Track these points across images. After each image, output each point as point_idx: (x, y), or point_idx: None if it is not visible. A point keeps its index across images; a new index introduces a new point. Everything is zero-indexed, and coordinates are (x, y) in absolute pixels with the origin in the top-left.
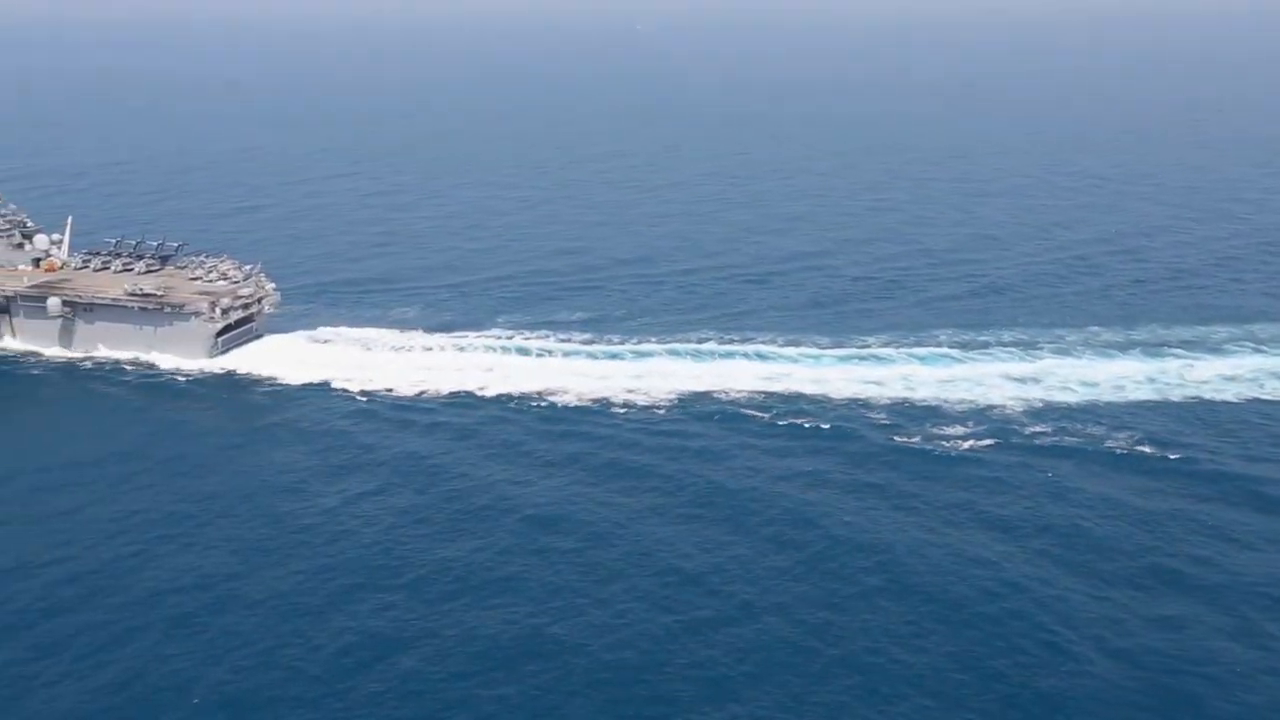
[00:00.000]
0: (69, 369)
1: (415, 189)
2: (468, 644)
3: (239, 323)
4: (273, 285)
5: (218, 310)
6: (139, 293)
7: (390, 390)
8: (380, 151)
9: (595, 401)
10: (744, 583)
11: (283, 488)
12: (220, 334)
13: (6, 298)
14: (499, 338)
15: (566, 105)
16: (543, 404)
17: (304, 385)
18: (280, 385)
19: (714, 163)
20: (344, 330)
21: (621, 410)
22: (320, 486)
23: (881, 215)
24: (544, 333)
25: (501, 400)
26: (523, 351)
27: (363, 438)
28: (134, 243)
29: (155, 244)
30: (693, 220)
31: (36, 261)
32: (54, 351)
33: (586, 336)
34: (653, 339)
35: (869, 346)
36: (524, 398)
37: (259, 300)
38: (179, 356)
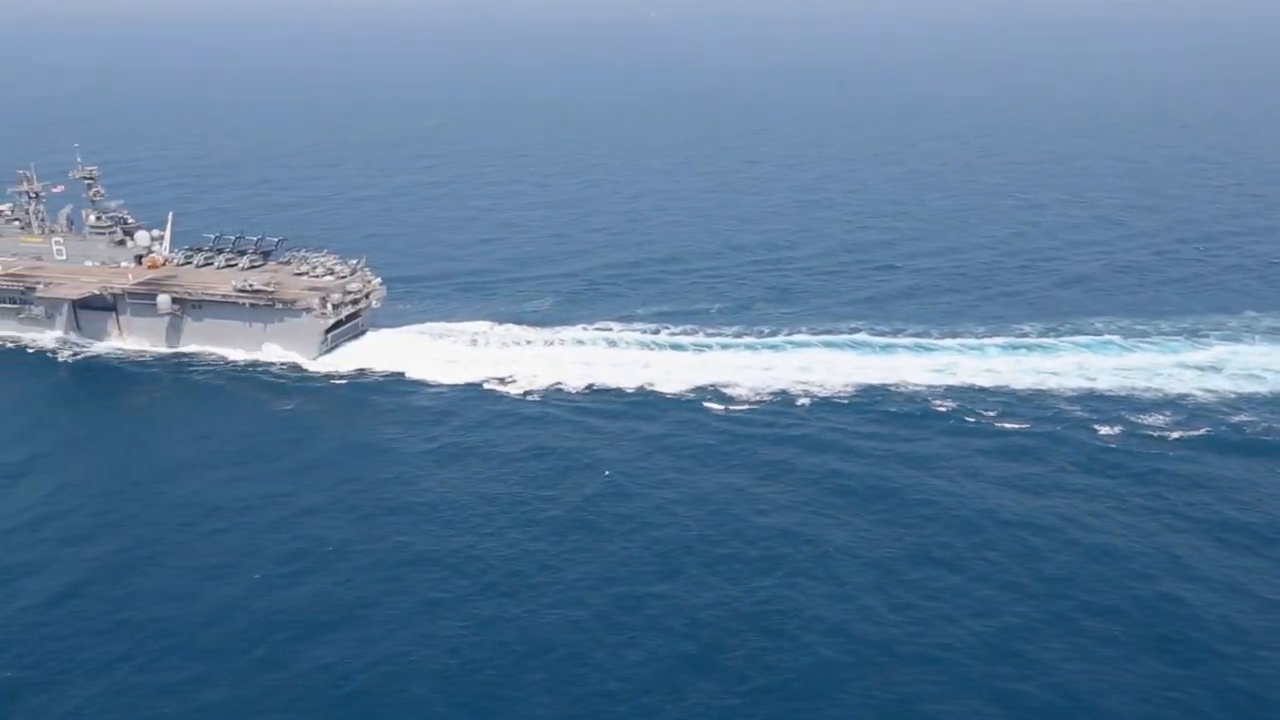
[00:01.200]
0: (179, 366)
1: (503, 179)
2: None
3: (347, 318)
4: (378, 280)
5: (329, 306)
6: (249, 289)
7: (518, 385)
8: (456, 142)
9: (774, 396)
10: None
11: (439, 484)
12: (329, 330)
13: (114, 295)
14: (618, 330)
15: (613, 95)
16: (718, 401)
17: (419, 380)
18: (394, 380)
19: (796, 150)
20: (448, 325)
21: (805, 404)
22: (490, 485)
23: (992, 199)
24: (677, 326)
25: (658, 397)
26: (666, 346)
27: (508, 433)
28: (233, 238)
29: (255, 239)
30: (802, 208)
31: (138, 258)
32: (161, 349)
33: (731, 329)
34: (803, 329)
35: (1027, 335)
36: (689, 394)
37: (366, 295)
38: (289, 353)
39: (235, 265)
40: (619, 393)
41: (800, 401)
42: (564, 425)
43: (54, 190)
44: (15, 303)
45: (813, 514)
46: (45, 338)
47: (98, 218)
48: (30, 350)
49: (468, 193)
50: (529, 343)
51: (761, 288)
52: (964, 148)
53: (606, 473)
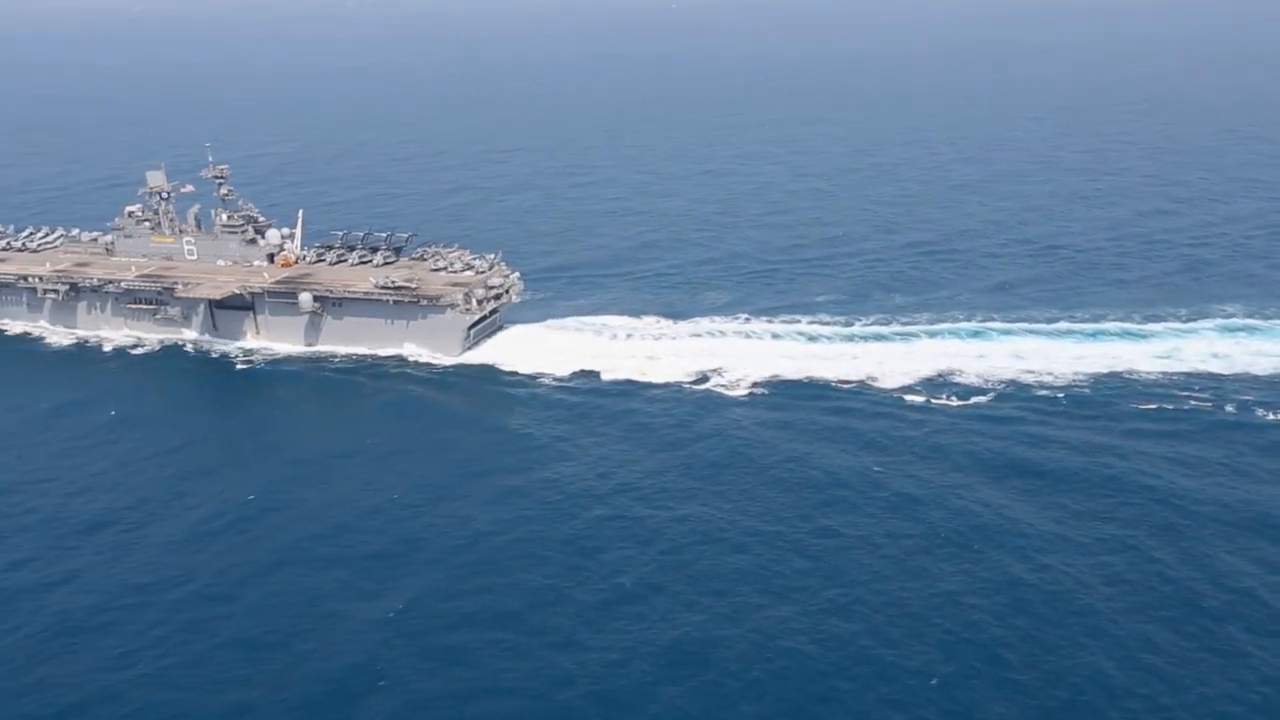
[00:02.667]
0: (322, 364)
1: (619, 168)
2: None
3: (489, 314)
4: (516, 274)
5: (473, 302)
6: (390, 286)
7: (675, 378)
8: (556, 132)
9: (1005, 385)
10: None
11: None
12: (471, 326)
13: (252, 294)
14: (770, 321)
15: (682, 85)
16: (952, 395)
17: (569, 375)
18: (542, 377)
19: (890, 135)
20: (584, 319)
21: (1047, 394)
22: (683, 483)
23: (1094, 181)
24: (799, 316)
25: (831, 387)
26: (810, 337)
27: (682, 424)
28: (361, 235)
29: (385, 235)
30: (926, 192)
31: (270, 257)
32: (299, 348)
33: (922, 315)
34: (978, 316)
35: (1232, 315)
36: (917, 385)
37: (507, 290)
38: (431, 350)
39: (369, 262)
40: (830, 387)
41: (1040, 392)
42: (802, 427)
43: (183, 190)
44: (152, 303)
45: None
46: (182, 338)
47: (229, 216)
48: (173, 350)
49: (581, 183)
50: (696, 335)
51: (931, 271)
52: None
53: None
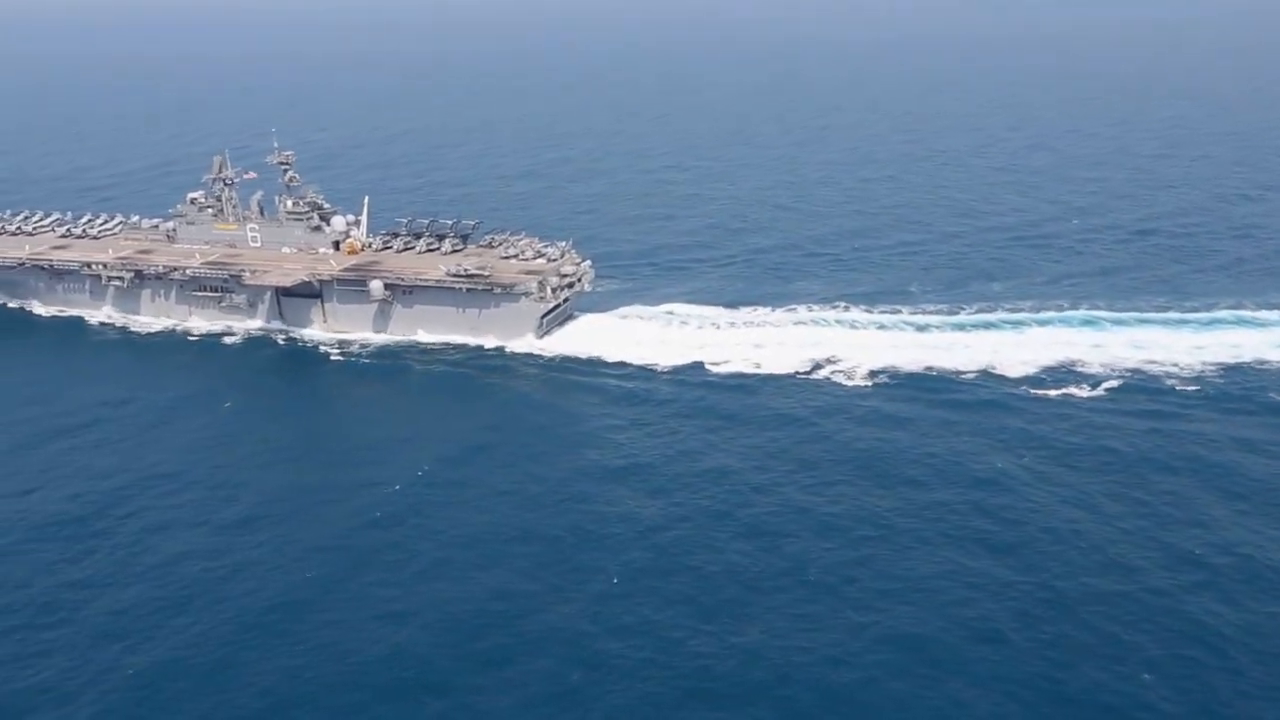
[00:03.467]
0: (395, 354)
1: (679, 155)
2: None
3: (561, 302)
4: (588, 262)
5: (547, 290)
6: (463, 274)
7: (788, 369)
8: (621, 118)
9: (1130, 375)
10: None
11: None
12: (544, 315)
13: (321, 283)
14: (864, 310)
15: (745, 71)
16: (1079, 385)
17: (646, 366)
18: (622, 366)
19: (951, 122)
20: (651, 308)
21: (1176, 387)
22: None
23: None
24: (898, 305)
25: (954, 378)
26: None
27: (853, 431)
28: (426, 221)
29: (450, 222)
30: (1002, 179)
31: (336, 244)
32: (368, 336)
33: (1025, 303)
34: (1084, 304)
35: None
36: (1041, 376)
37: (579, 279)
38: (504, 339)
39: (436, 250)
40: (953, 378)
41: (1170, 383)
42: (915, 421)
43: (245, 176)
44: (217, 291)
45: None
46: (247, 326)
47: (294, 203)
48: (259, 341)
49: (643, 170)
50: (770, 325)
51: (1026, 258)
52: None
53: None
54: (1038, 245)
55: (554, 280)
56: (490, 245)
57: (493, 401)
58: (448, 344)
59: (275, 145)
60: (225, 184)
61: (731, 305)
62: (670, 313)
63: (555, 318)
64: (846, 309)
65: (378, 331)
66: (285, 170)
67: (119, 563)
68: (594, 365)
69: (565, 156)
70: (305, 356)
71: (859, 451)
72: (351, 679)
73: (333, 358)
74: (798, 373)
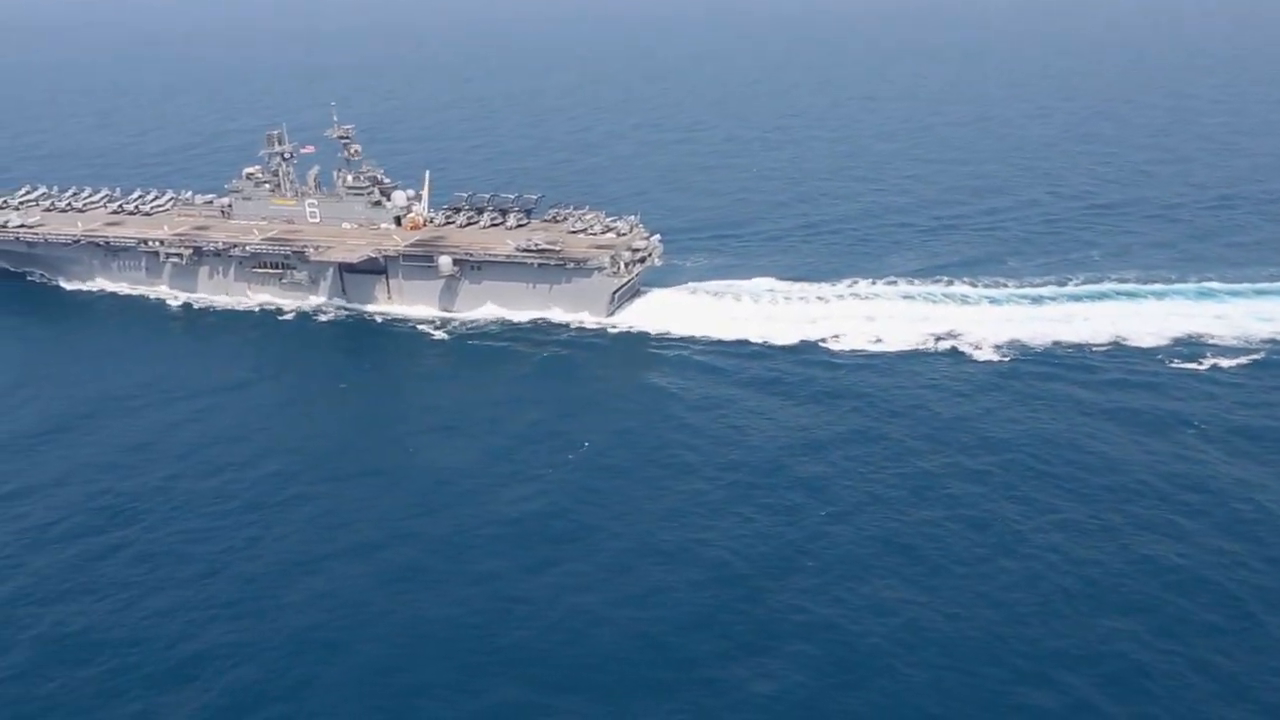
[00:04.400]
0: (467, 331)
1: (737, 127)
2: None
3: (633, 277)
4: (656, 237)
5: (620, 265)
6: (534, 248)
7: (907, 345)
8: (675, 91)
9: (1266, 345)
10: None
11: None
12: (616, 290)
13: (387, 258)
14: (940, 282)
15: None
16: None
17: (721, 342)
18: (724, 344)
19: (1003, 93)
20: (723, 283)
21: None
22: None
23: None
24: (1001, 279)
25: (1087, 352)
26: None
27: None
28: (487, 196)
29: (512, 197)
30: (1067, 147)
31: (397, 219)
32: (435, 312)
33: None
34: (1192, 276)
35: None
36: (1170, 345)
37: (649, 254)
38: (575, 315)
39: (500, 224)
40: (1086, 352)
41: None
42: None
43: (303, 151)
44: (278, 267)
45: None
46: (309, 303)
47: (355, 178)
48: (305, 316)
49: (702, 142)
50: (866, 298)
51: (1119, 226)
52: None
53: None
54: (1125, 213)
55: (626, 255)
56: (555, 220)
57: (630, 385)
58: (517, 320)
59: (335, 119)
60: (283, 158)
61: (812, 279)
62: (747, 288)
63: (624, 293)
64: (950, 283)
65: (444, 308)
66: (345, 144)
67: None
68: (691, 343)
69: (620, 130)
70: (388, 335)
71: (1038, 437)
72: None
73: (435, 336)
74: (921, 348)
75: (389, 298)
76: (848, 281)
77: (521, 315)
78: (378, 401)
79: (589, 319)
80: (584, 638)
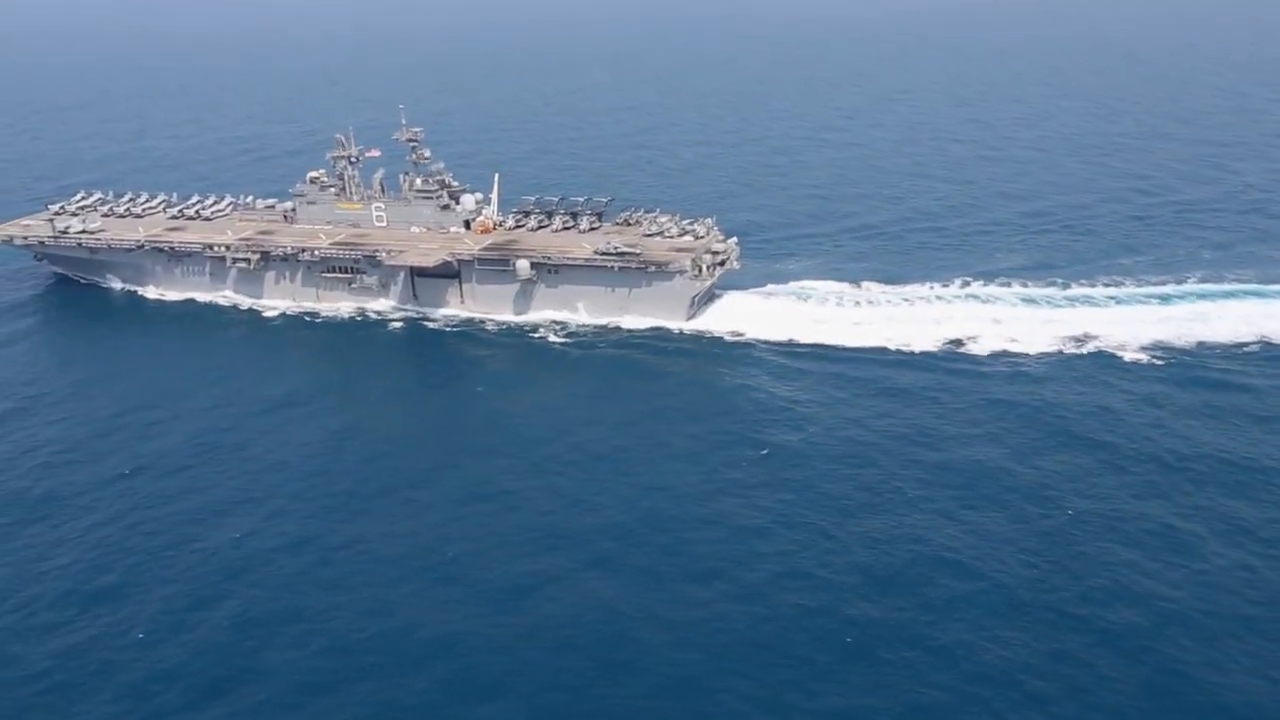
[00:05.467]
0: (549, 336)
1: (793, 127)
2: None
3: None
4: (734, 240)
5: (701, 269)
6: (614, 251)
7: (1048, 348)
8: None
9: None
10: None
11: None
12: (695, 294)
13: (461, 262)
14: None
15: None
16: None
17: (848, 348)
18: (826, 348)
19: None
20: (803, 284)
21: None
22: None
23: None
24: (1117, 277)
25: (1236, 351)
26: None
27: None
28: (555, 199)
29: (581, 200)
30: (1145, 150)
31: (466, 223)
32: (509, 316)
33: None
34: None
35: None
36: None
37: (728, 257)
38: (654, 319)
39: (571, 228)
40: (1235, 351)
41: None
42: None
43: (368, 154)
44: (348, 271)
45: None
46: (380, 307)
47: (424, 181)
48: (378, 321)
49: (771, 142)
50: (948, 300)
51: (1222, 226)
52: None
53: None
54: (1216, 210)
55: (707, 258)
56: (627, 223)
57: (771, 392)
58: (596, 325)
59: (403, 122)
60: (349, 162)
61: (905, 280)
62: (834, 290)
63: (702, 297)
64: (1066, 285)
65: (519, 312)
66: (414, 147)
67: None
68: (793, 349)
69: (680, 132)
70: (524, 342)
71: (1185, 444)
72: None
73: (552, 340)
74: (1064, 351)
75: (461, 302)
76: (959, 281)
77: (599, 319)
78: (520, 407)
79: (668, 323)
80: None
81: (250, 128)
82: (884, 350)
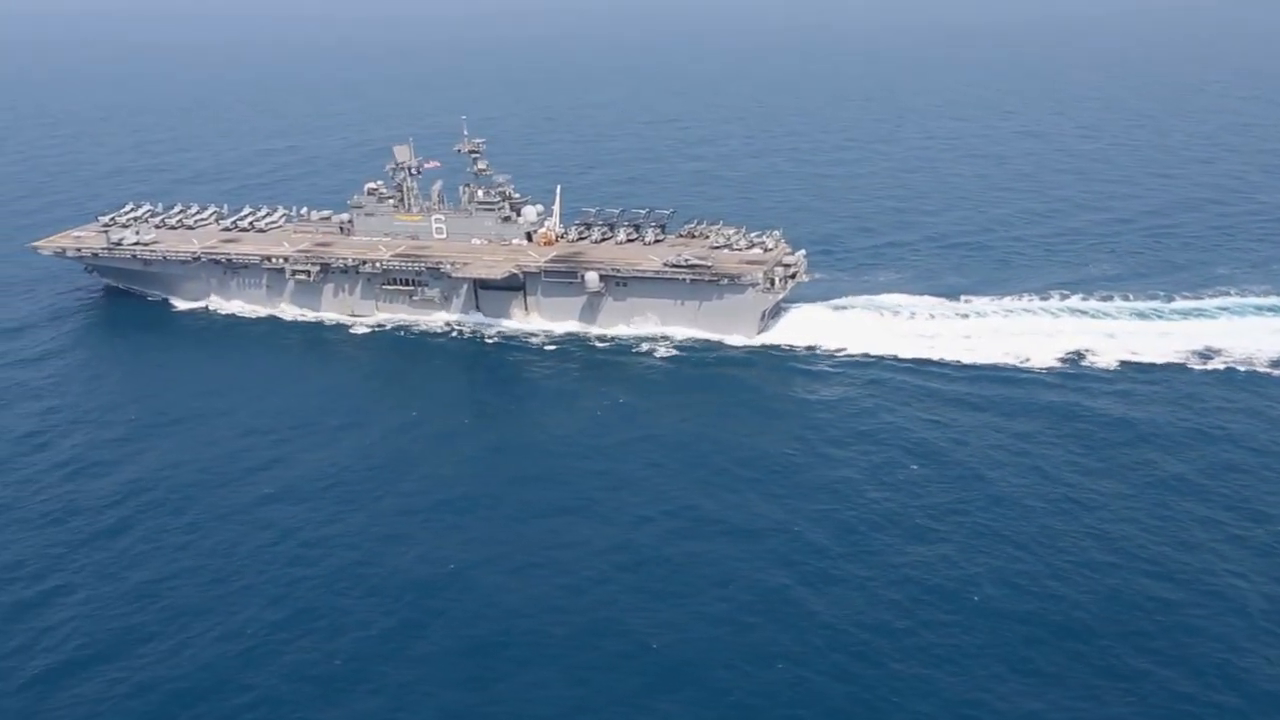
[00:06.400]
0: (616, 349)
1: (848, 135)
2: None
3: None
4: (801, 253)
5: (774, 281)
6: (684, 263)
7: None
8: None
9: None
10: None
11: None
12: (767, 308)
13: (526, 274)
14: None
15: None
16: None
17: (945, 362)
18: (929, 363)
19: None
20: (867, 298)
21: None
22: None
23: None
24: (1224, 287)
25: None
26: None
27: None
28: (616, 211)
29: (643, 211)
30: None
31: (528, 235)
32: (576, 328)
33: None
34: None
35: None
36: None
37: (798, 269)
38: (723, 333)
39: (635, 240)
40: None
41: None
42: None
43: (427, 165)
44: (409, 284)
45: None
46: (442, 319)
47: (485, 192)
48: (444, 334)
49: (824, 153)
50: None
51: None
52: None
53: None
54: None
55: (779, 271)
56: (691, 235)
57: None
58: (665, 338)
59: (464, 133)
60: (410, 173)
61: (986, 293)
62: (906, 303)
63: (771, 311)
64: (1170, 298)
65: (584, 324)
66: (475, 159)
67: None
68: (896, 365)
69: (731, 145)
70: (538, 352)
71: None
72: None
73: (658, 354)
74: (1189, 365)
75: (526, 314)
76: (1056, 294)
77: (668, 332)
78: (640, 420)
79: (738, 338)
80: None
81: (286, 140)
82: (997, 367)
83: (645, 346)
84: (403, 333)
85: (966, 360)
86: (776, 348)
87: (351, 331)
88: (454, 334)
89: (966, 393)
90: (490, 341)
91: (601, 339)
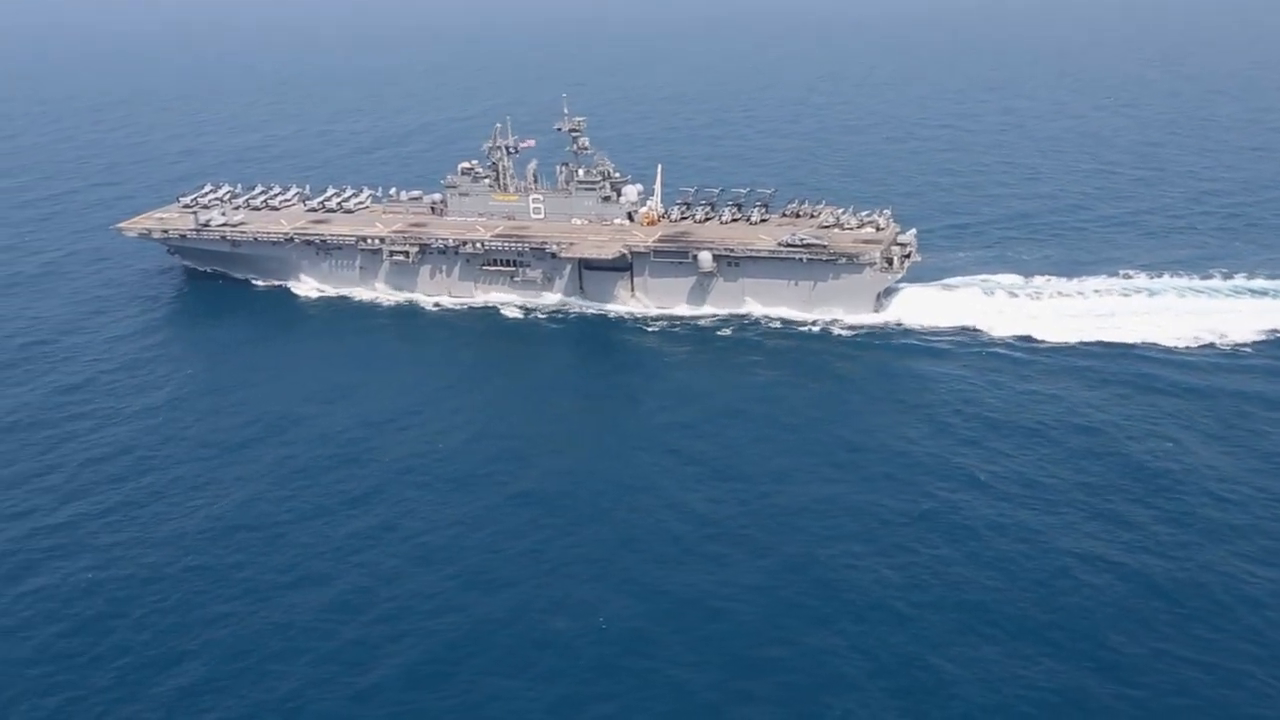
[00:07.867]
0: (730, 330)
1: (947, 112)
2: None
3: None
4: (912, 231)
5: (894, 261)
6: (799, 243)
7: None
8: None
9: None
10: None
11: None
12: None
13: (634, 254)
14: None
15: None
16: None
17: (1103, 344)
18: (1073, 347)
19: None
20: (983, 277)
21: None
22: None
23: None
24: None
25: None
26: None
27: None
28: (716, 190)
29: (743, 190)
30: None
31: (629, 215)
32: (684, 310)
33: None
34: None
35: None
36: None
37: (912, 249)
38: (839, 313)
39: (740, 219)
40: None
41: None
42: None
43: (523, 145)
44: (509, 264)
45: None
46: (545, 301)
47: (586, 172)
48: (548, 316)
49: (919, 129)
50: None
51: None
52: None
53: None
54: None
55: (895, 250)
56: (796, 214)
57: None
58: (779, 318)
59: (565, 111)
60: (507, 151)
61: (1093, 273)
62: (995, 281)
63: (885, 291)
64: (1249, 276)
65: (693, 305)
66: (575, 137)
67: None
68: (1034, 346)
69: (828, 119)
70: (657, 334)
71: None
72: None
73: (838, 333)
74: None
75: (632, 295)
76: (1168, 273)
77: (781, 313)
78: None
79: (853, 318)
80: None
81: (368, 120)
82: (1133, 346)
83: (760, 327)
84: (507, 314)
85: (1085, 339)
86: (892, 327)
87: (454, 311)
88: (559, 315)
89: (1085, 367)
90: (596, 321)
91: (714, 320)
